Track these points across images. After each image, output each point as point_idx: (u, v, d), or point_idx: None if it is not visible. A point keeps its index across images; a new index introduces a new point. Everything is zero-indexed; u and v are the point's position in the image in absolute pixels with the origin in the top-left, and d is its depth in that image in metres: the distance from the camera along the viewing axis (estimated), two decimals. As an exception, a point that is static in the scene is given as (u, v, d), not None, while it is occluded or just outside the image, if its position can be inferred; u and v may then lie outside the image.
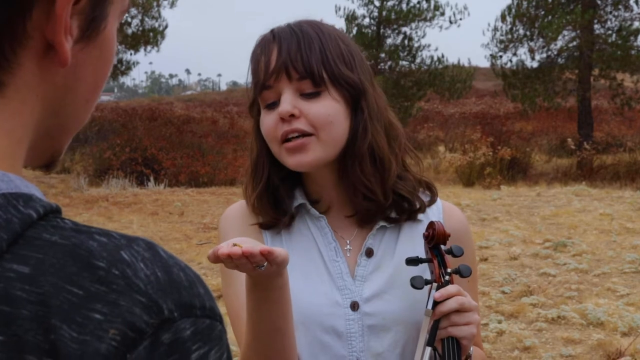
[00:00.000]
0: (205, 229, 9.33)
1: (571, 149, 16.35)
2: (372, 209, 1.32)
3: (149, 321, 0.48)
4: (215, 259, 1.07)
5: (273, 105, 1.28)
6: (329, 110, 1.26)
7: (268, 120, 1.29)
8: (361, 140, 1.29)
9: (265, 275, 1.11)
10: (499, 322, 5.51)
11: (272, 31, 1.31)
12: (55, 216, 0.52)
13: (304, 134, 1.26)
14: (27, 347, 0.46)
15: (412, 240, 1.35)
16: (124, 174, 14.22)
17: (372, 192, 1.31)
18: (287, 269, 1.31)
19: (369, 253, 1.35)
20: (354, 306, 1.31)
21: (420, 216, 1.37)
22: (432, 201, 1.39)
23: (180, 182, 14.10)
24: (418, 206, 1.36)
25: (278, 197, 1.35)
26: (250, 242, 1.11)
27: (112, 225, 9.40)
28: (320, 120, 1.26)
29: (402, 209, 1.34)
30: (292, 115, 1.26)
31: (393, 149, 1.33)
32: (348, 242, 1.36)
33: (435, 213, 1.39)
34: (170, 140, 16.64)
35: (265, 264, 1.08)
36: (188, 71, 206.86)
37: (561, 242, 7.91)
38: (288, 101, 1.26)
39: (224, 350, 0.52)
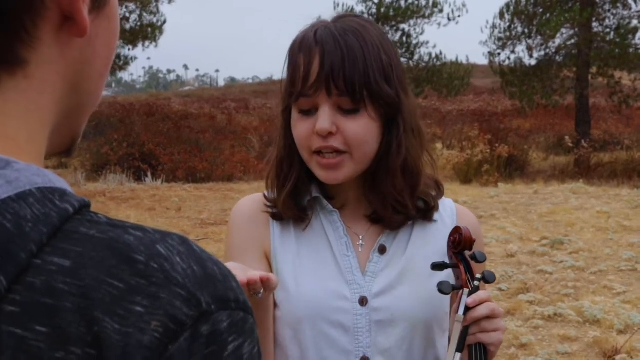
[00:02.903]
0: (202, 225, 9.32)
1: (569, 146, 16.36)
2: (400, 220, 1.33)
3: (189, 313, 0.49)
4: None
5: (308, 113, 1.27)
6: (366, 130, 1.25)
7: (302, 128, 1.28)
8: (395, 156, 1.28)
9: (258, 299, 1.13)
10: (496, 319, 5.52)
11: (315, 34, 1.26)
12: (88, 210, 0.53)
13: (338, 151, 1.26)
14: (71, 339, 0.47)
15: (424, 238, 1.36)
16: (121, 169, 14.20)
17: (404, 206, 1.31)
18: (297, 261, 1.32)
19: (382, 250, 1.34)
20: (363, 301, 1.30)
21: (434, 216, 1.37)
22: (439, 197, 1.39)
23: (178, 178, 14.09)
24: (433, 205, 1.36)
25: (302, 192, 1.35)
26: (245, 270, 1.12)
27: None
28: (356, 140, 1.25)
29: (419, 209, 1.35)
30: (330, 133, 1.25)
31: (421, 156, 1.34)
32: (361, 237, 1.36)
33: (449, 215, 1.40)
34: (168, 136, 16.62)
35: (262, 291, 1.10)
36: (186, 67, 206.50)
37: (558, 240, 7.92)
38: (326, 118, 1.24)
39: (255, 342, 0.53)
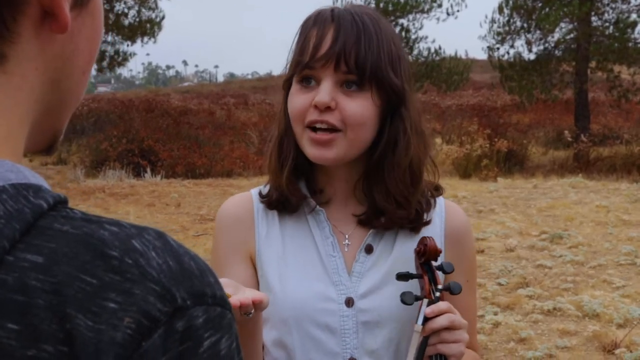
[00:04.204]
0: (201, 221, 9.32)
1: (568, 141, 16.33)
2: (403, 217, 1.30)
3: (163, 309, 0.48)
4: None
5: (308, 83, 1.24)
6: (364, 111, 1.23)
7: (299, 100, 1.25)
8: (404, 151, 1.26)
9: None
10: (495, 313, 5.53)
11: (332, 10, 1.24)
12: (63, 206, 0.52)
13: (333, 129, 1.23)
14: (43, 336, 0.46)
15: (410, 238, 1.33)
16: (120, 165, 14.20)
17: (408, 201, 1.29)
18: (282, 262, 1.30)
19: (369, 250, 1.32)
20: (349, 302, 1.28)
21: (420, 229, 1.35)
22: (435, 195, 1.37)
23: (177, 174, 14.08)
24: (425, 219, 1.34)
25: (301, 174, 1.33)
26: (237, 287, 1.11)
27: (108, 217, 9.39)
28: (353, 118, 1.22)
29: (411, 219, 1.32)
30: (328, 107, 1.22)
31: (425, 153, 1.32)
32: (347, 236, 1.34)
33: (437, 212, 1.37)
34: (167, 132, 16.61)
35: (252, 311, 1.09)
36: (185, 62, 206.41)
37: (557, 234, 7.92)
38: (327, 91, 1.21)
39: (233, 338, 0.52)
